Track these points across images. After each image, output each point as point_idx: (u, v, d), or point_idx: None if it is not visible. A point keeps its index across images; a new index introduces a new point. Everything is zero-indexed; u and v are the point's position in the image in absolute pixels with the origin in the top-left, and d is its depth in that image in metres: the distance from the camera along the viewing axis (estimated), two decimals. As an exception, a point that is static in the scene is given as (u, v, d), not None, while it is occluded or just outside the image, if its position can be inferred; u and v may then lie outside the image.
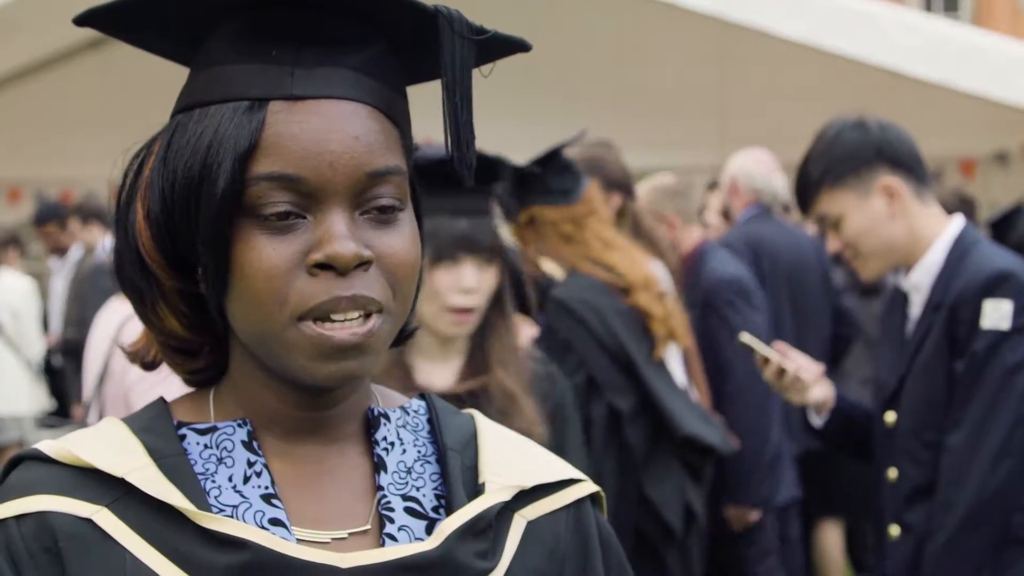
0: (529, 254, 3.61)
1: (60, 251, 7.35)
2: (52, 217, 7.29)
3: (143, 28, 1.02)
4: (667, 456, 3.54)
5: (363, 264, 0.94)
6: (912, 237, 2.68)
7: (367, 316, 0.95)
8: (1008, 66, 7.81)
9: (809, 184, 2.75)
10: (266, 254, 0.94)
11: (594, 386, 3.45)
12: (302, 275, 0.94)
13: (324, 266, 0.94)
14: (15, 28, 10.13)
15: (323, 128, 0.94)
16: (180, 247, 0.99)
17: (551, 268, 4.29)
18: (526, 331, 3.71)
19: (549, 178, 3.45)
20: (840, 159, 2.69)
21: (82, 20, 0.97)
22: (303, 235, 0.94)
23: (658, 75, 10.56)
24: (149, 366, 1.11)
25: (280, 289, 0.94)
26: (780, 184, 5.07)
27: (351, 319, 0.94)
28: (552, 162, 3.44)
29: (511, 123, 8.43)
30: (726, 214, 5.25)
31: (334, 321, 0.94)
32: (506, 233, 2.58)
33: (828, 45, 8.13)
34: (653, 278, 3.60)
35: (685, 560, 3.61)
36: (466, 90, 0.97)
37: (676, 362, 3.75)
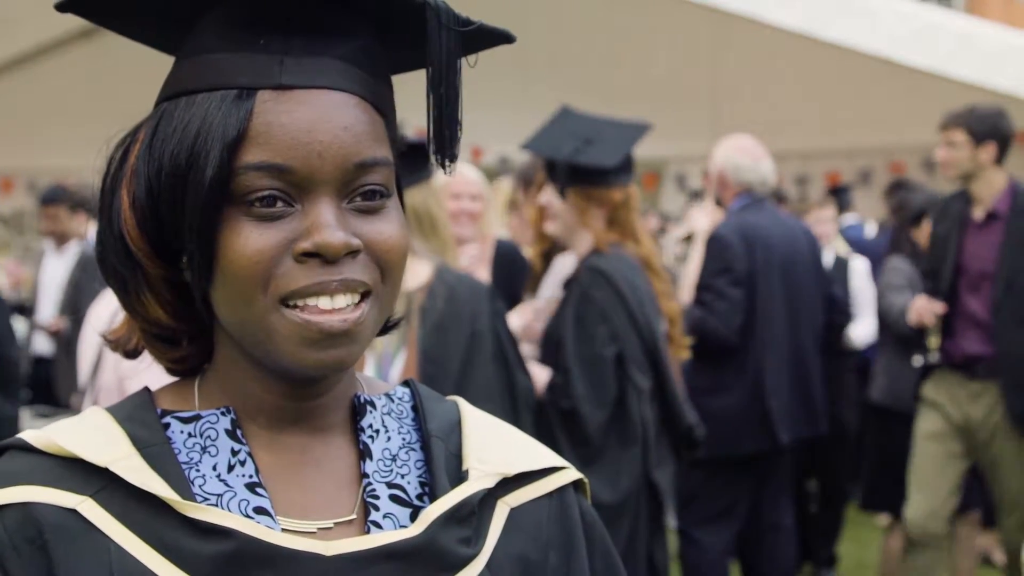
0: (555, 230, 3.75)
1: (58, 236, 7.27)
2: (60, 200, 7.20)
3: (127, 14, 1.01)
4: (665, 442, 3.62)
5: (351, 253, 0.95)
6: None
7: (358, 303, 0.95)
8: (1001, 54, 7.81)
9: None
10: (252, 239, 0.94)
11: (622, 361, 3.53)
12: (288, 261, 0.94)
13: (312, 255, 0.94)
14: (6, 18, 10.09)
15: (312, 118, 0.95)
16: (166, 235, 0.99)
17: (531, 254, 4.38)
18: (525, 312, 3.78)
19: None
20: None
21: (64, 6, 0.97)
22: (290, 224, 0.95)
23: (652, 64, 10.56)
24: (131, 354, 1.10)
25: (263, 273, 0.94)
26: (768, 170, 5.01)
27: (340, 307, 0.95)
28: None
29: (503, 112, 8.44)
30: (719, 203, 5.23)
31: (323, 309, 0.94)
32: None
33: (821, 33, 8.12)
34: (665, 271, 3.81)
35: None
36: (452, 82, 0.97)
37: None
